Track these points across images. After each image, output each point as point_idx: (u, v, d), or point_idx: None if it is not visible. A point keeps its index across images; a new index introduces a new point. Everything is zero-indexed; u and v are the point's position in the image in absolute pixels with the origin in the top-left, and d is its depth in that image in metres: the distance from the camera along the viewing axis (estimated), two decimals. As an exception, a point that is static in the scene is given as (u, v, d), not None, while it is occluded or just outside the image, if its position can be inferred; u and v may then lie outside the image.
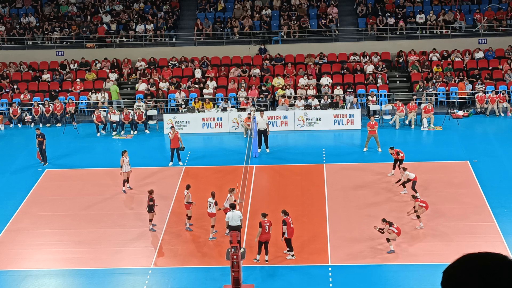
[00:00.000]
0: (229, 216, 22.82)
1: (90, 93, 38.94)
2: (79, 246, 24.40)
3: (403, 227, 24.40)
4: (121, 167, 27.95)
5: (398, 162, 28.35)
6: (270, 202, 26.77)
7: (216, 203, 24.41)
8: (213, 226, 24.40)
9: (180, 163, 30.80)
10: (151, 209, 24.99)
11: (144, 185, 29.02)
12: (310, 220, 25.54)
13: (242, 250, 20.77)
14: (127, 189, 28.36)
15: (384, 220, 23.22)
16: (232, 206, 22.98)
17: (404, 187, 27.06)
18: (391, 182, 27.98)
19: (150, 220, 25.27)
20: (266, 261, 22.74)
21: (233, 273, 19.79)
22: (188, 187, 25.15)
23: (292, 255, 22.90)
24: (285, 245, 22.92)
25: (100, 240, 24.73)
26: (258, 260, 22.70)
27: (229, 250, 19.94)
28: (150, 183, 29.21)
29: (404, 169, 26.98)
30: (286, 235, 22.61)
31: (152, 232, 25.03)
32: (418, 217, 24.53)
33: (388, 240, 23.14)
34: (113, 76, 40.36)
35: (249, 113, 33.47)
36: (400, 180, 26.99)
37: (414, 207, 24.74)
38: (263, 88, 38.04)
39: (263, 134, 31.84)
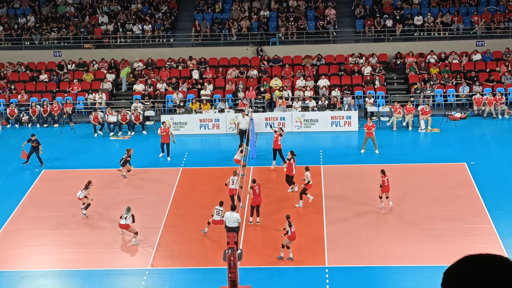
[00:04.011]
0: (226, 216, 22.85)
1: (87, 93, 38.95)
2: (76, 247, 24.37)
3: (409, 228, 24.41)
4: (86, 197, 26.33)
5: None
6: (268, 203, 26.74)
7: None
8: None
9: (169, 158, 31.34)
10: (125, 163, 29.32)
11: (142, 186, 29.04)
12: (307, 221, 25.54)
13: (239, 251, 20.76)
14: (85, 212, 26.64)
15: (287, 217, 22.91)
16: (232, 207, 23.01)
17: (304, 194, 26.59)
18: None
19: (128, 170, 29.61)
20: (257, 223, 25.22)
21: (230, 274, 19.78)
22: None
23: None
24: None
25: (97, 241, 24.70)
26: (251, 222, 25.21)
27: (226, 251, 19.93)
28: (148, 184, 29.24)
29: (307, 169, 26.70)
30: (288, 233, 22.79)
31: (149, 232, 24.97)
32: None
33: (282, 246, 22.83)
34: (111, 77, 40.35)
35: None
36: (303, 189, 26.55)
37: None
38: (261, 89, 38.05)
39: (244, 134, 31.83)
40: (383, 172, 26.06)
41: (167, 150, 31.35)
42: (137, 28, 42.85)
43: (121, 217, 24.33)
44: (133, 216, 24.29)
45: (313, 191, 27.97)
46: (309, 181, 26.43)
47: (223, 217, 23.49)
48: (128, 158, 29.54)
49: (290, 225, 22.71)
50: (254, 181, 25.78)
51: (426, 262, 22.48)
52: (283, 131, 30.82)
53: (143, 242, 24.50)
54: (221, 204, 24.16)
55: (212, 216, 24.11)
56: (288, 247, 22.86)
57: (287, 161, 27.65)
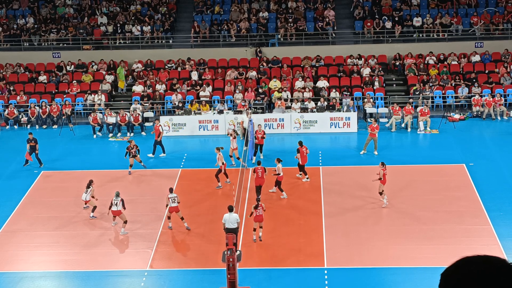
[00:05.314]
0: (225, 218, 22.84)
1: (86, 94, 38.95)
2: (75, 248, 24.36)
3: (408, 229, 24.43)
4: (93, 197, 26.55)
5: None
6: (266, 204, 26.73)
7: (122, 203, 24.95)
8: (125, 222, 24.97)
9: (151, 155, 32.00)
10: (128, 155, 29.76)
11: (141, 187, 29.04)
12: (306, 222, 25.54)
13: (238, 252, 20.75)
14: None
15: (257, 200, 23.99)
16: (230, 209, 23.01)
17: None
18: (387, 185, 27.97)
19: (130, 165, 30.00)
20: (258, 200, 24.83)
21: (229, 276, 19.77)
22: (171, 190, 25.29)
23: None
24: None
25: (96, 242, 24.70)
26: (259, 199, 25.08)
27: (225, 253, 19.93)
28: (147, 185, 29.25)
29: (279, 160, 27.40)
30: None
31: (148, 233, 24.99)
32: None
33: (254, 229, 23.77)
34: (110, 78, 40.35)
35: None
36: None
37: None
38: (260, 91, 38.06)
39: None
40: (383, 164, 26.20)
41: (153, 147, 32.00)
42: (136, 29, 42.87)
43: (112, 204, 24.92)
44: (122, 200, 24.86)
45: (313, 192, 27.99)
46: (279, 173, 27.20)
47: (179, 202, 24.69)
48: (126, 150, 30.01)
49: (256, 207, 23.61)
50: (258, 163, 27.13)
51: (425, 263, 22.47)
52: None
53: (142, 243, 24.50)
54: (171, 190, 25.00)
55: (167, 206, 24.95)
56: (254, 229, 23.84)
57: (298, 151, 28.67)
